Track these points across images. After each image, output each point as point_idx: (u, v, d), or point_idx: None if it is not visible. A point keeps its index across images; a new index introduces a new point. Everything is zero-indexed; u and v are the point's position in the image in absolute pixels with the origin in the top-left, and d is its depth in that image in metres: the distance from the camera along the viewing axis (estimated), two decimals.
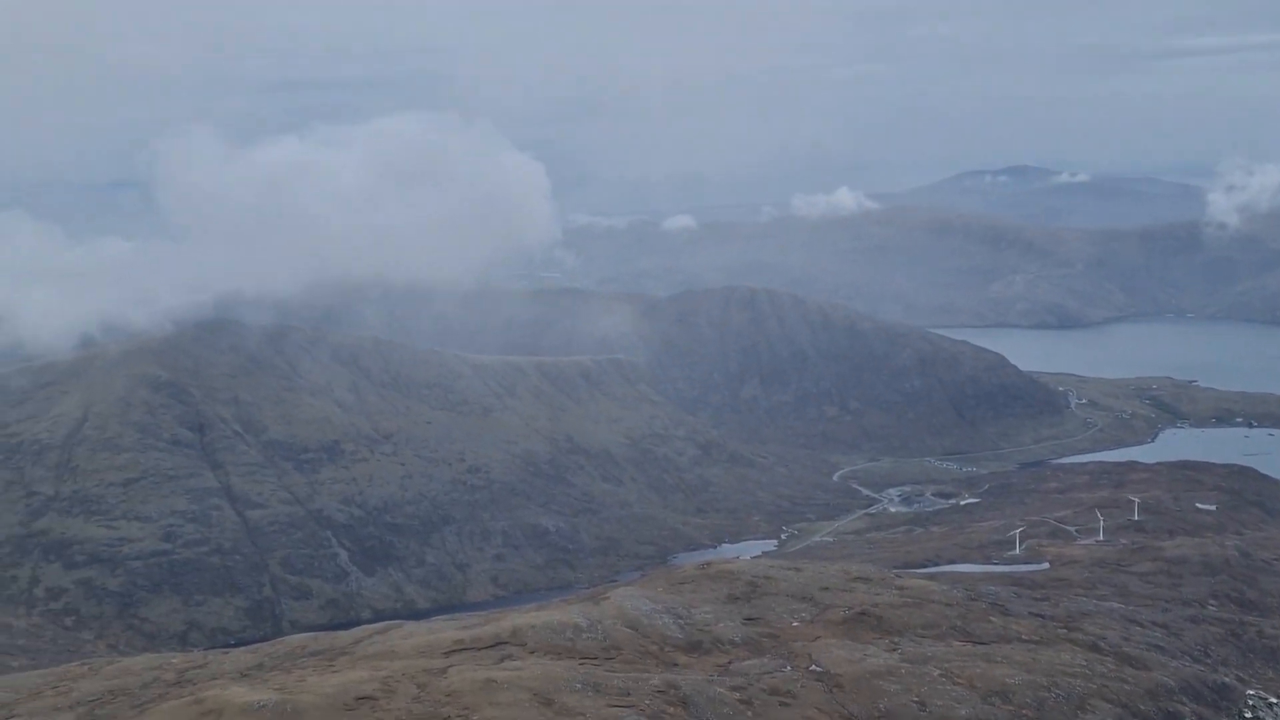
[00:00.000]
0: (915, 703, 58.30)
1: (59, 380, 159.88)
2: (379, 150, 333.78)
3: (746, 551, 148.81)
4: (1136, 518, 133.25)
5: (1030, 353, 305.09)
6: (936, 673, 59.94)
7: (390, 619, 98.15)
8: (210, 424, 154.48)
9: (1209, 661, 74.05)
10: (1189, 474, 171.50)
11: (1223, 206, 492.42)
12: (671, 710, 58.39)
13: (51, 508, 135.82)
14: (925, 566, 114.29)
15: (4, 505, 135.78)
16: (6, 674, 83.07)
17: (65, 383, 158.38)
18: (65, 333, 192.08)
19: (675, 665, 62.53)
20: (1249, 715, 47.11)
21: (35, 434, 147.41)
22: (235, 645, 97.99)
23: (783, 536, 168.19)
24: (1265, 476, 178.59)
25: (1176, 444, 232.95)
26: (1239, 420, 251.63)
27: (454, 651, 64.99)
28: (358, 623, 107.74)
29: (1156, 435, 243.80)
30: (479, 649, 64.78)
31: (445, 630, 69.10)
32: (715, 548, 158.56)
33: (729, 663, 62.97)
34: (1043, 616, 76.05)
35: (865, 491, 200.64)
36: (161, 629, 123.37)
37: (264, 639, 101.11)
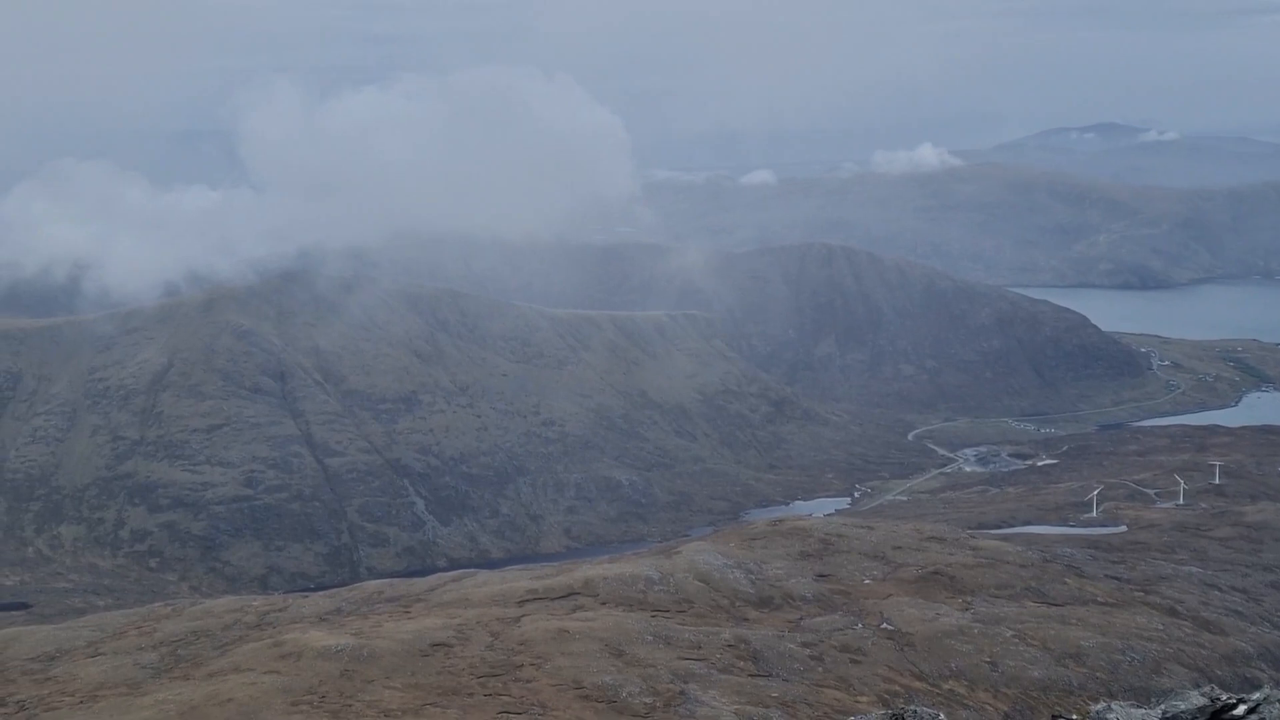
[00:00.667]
0: (987, 663, 55.04)
1: (144, 327, 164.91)
2: (459, 102, 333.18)
3: (819, 509, 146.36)
4: (1217, 481, 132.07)
5: (1113, 313, 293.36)
6: (1009, 633, 57.25)
7: (464, 568, 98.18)
8: (290, 372, 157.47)
9: None
10: (1272, 438, 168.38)
11: None
12: (742, 664, 55.58)
13: (137, 452, 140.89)
14: (1000, 527, 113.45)
15: (91, 449, 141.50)
16: (93, 613, 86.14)
17: (151, 329, 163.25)
18: (151, 281, 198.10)
19: (746, 620, 59.75)
20: None
21: (121, 379, 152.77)
22: (314, 590, 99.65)
23: (855, 495, 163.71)
24: None
25: (1261, 408, 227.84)
26: None
27: (527, 601, 63.45)
28: (433, 570, 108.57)
29: (1241, 399, 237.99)
30: (551, 599, 63.00)
31: (518, 580, 67.54)
32: (787, 505, 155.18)
33: (800, 619, 60.30)
34: (1118, 579, 74.37)
35: (941, 451, 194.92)
36: (242, 572, 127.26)
37: (341, 584, 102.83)
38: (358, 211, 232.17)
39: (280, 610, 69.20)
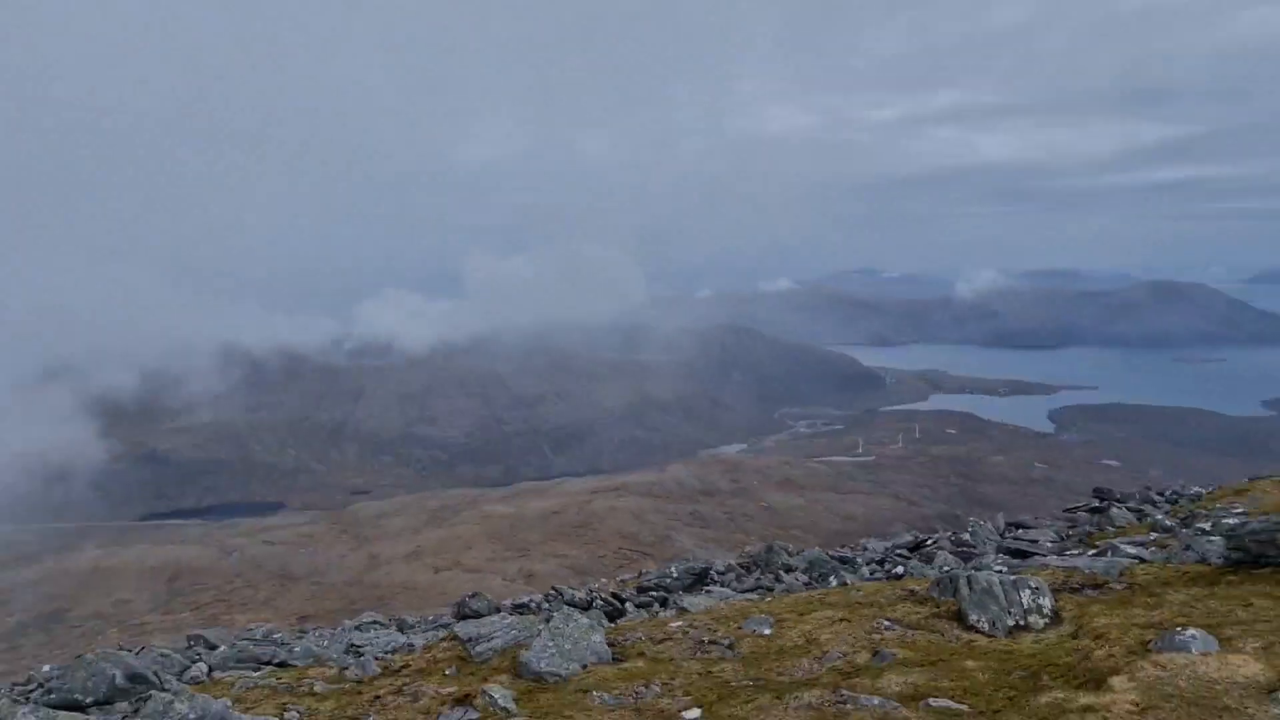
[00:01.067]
0: (811, 521, 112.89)
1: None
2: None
3: (733, 450, 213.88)
4: (917, 436, 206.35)
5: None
6: (820, 507, 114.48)
7: (565, 476, 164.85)
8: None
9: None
10: (946, 415, 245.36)
11: None
12: (696, 523, 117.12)
13: (418, 419, 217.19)
14: (818, 457, 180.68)
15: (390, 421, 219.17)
16: (392, 498, 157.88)
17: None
18: None
19: (697, 501, 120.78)
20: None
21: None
22: (497, 487, 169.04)
23: (749, 443, 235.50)
24: None
25: (942, 402, 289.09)
26: None
27: (594, 492, 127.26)
28: (551, 477, 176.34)
29: (929, 397, 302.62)
30: (605, 491, 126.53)
31: (589, 482, 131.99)
32: (717, 448, 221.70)
33: (722, 500, 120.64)
34: (872, 480, 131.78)
35: (790, 422, 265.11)
36: (464, 480, 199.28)
37: (508, 484, 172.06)
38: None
39: (482, 496, 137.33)
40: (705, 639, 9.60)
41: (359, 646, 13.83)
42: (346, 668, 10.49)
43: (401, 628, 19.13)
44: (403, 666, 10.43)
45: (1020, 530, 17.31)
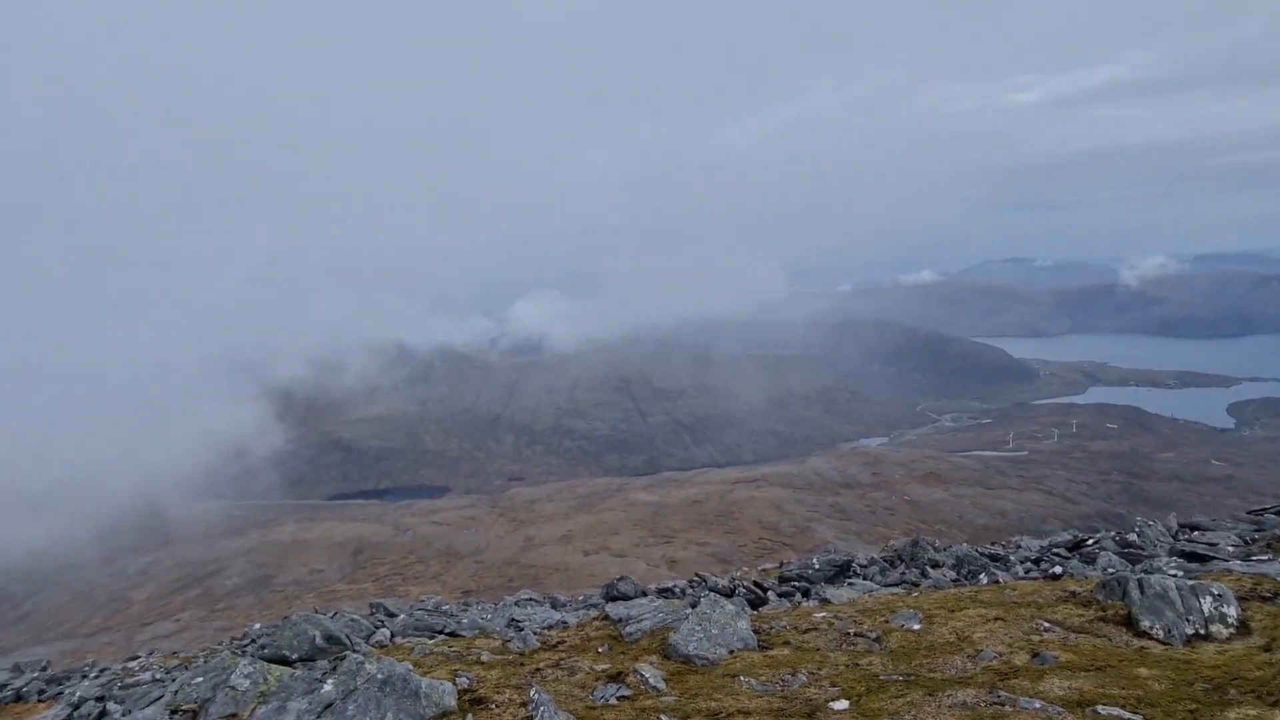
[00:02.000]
0: (957, 516, 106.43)
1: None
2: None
3: (874, 443, 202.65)
4: (1074, 431, 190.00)
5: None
6: (967, 502, 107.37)
7: (706, 467, 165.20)
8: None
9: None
10: (1105, 409, 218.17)
11: None
12: (837, 515, 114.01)
13: (567, 411, 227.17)
14: (963, 451, 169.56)
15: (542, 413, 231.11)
16: (544, 484, 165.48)
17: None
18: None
19: (837, 494, 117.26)
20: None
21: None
22: (641, 476, 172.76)
23: (890, 436, 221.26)
24: None
25: (1099, 394, 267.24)
26: None
27: (735, 482, 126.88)
28: (691, 468, 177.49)
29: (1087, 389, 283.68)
30: (746, 482, 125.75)
31: (731, 473, 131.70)
32: (858, 440, 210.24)
33: (863, 493, 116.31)
34: (1023, 476, 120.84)
35: (932, 415, 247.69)
36: (610, 468, 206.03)
37: (651, 473, 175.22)
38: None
39: (626, 484, 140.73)
40: (851, 631, 9.52)
41: (518, 621, 14.77)
42: (509, 640, 11.29)
43: (555, 605, 20.13)
44: (559, 642, 11.08)
45: (1196, 532, 15.70)
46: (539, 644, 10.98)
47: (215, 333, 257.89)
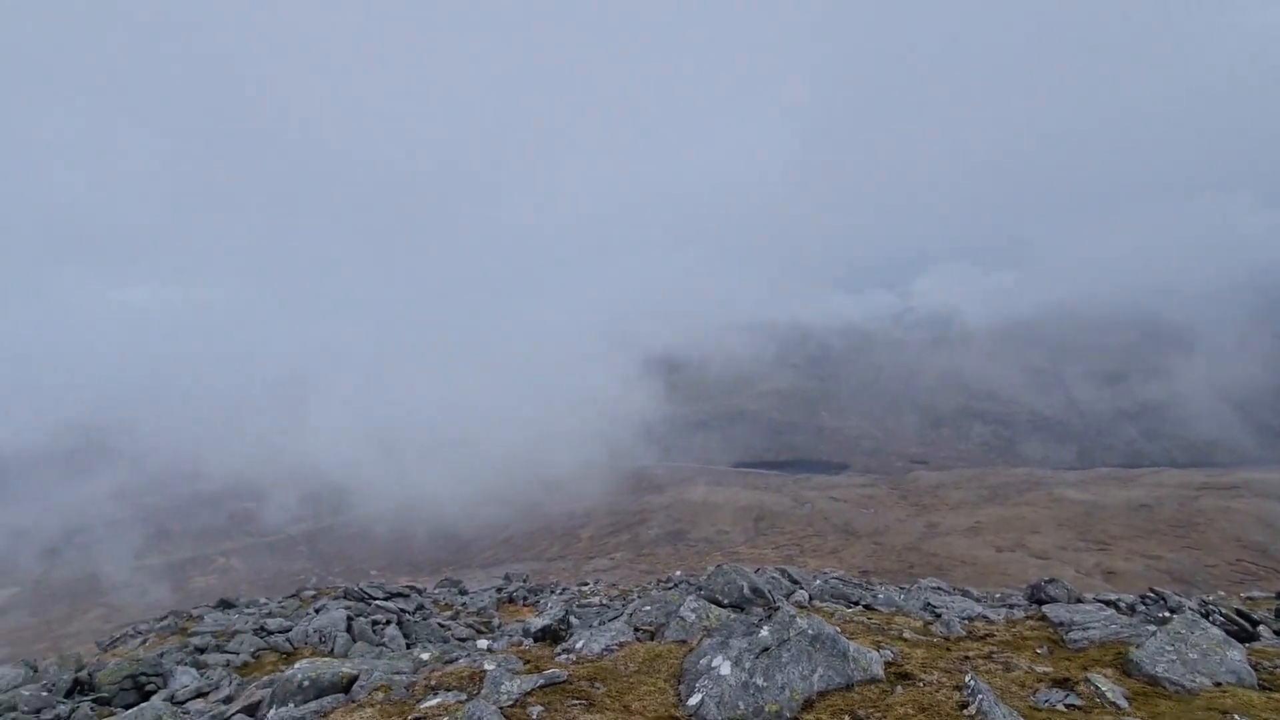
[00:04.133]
0: None
1: None
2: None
3: None
4: None
5: None
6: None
7: (1157, 466, 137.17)
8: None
9: None
10: None
11: None
12: None
13: (977, 393, 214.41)
14: None
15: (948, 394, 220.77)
16: (950, 470, 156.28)
17: None
18: None
19: None
20: None
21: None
22: (1069, 470, 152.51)
23: None
24: None
25: None
26: None
27: (1201, 487, 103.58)
28: (1138, 465, 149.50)
29: None
30: (1217, 488, 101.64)
31: (1195, 474, 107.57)
32: None
33: None
34: None
35: None
36: (1029, 459, 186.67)
37: (1082, 467, 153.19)
38: None
39: (1050, 477, 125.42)
40: None
41: (934, 606, 14.20)
42: (930, 623, 10.92)
43: (965, 598, 18.88)
44: (986, 634, 10.38)
45: None
46: (964, 632, 10.43)
47: (627, 316, 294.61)
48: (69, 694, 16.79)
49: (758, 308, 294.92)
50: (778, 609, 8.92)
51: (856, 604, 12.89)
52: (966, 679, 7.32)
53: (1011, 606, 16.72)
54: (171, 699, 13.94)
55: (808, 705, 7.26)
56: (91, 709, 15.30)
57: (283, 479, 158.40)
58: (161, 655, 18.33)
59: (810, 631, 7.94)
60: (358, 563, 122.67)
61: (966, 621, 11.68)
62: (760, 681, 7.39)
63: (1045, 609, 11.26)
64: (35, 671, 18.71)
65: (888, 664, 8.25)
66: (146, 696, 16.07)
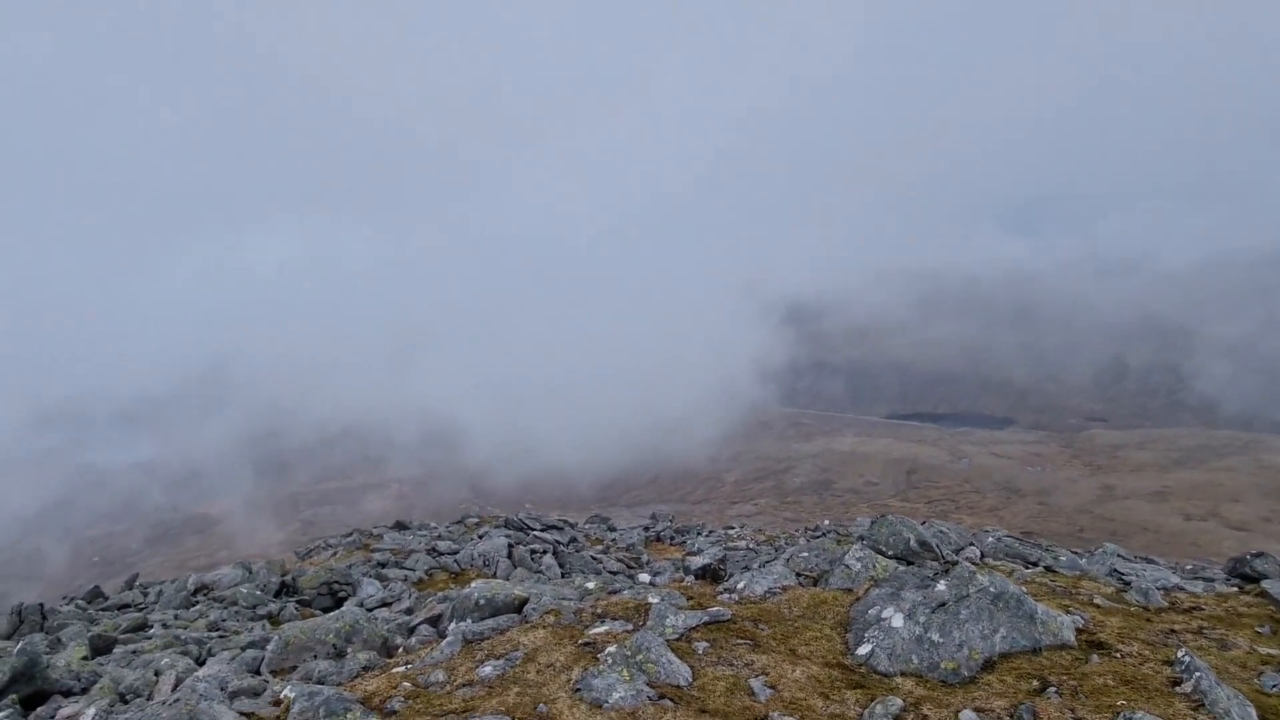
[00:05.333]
0: None
1: None
2: None
3: None
4: None
5: None
6: None
7: None
8: None
9: None
10: None
11: None
12: None
13: (1171, 345, 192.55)
14: None
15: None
16: (1134, 429, 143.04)
17: None
18: None
19: None
20: None
21: None
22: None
23: None
24: None
25: None
26: None
27: None
28: None
29: None
30: None
31: None
32: None
33: None
34: None
35: None
36: (1232, 420, 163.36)
37: None
38: None
39: (1259, 441, 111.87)
40: None
41: (1123, 574, 12.98)
42: (1122, 590, 9.96)
43: (1154, 567, 17.18)
44: (1192, 607, 9.33)
45: None
46: (1165, 603, 9.42)
47: (761, 259, 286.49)
48: (277, 594, 18.95)
49: (909, 249, 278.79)
50: (955, 563, 8.39)
51: (1035, 565, 11.98)
52: (1180, 654, 6.56)
53: (1204, 580, 15.09)
54: (360, 605, 15.38)
55: (988, 666, 6.80)
56: (296, 609, 17.19)
57: (410, 424, 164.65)
58: (350, 567, 20.29)
59: (992, 589, 7.41)
60: (510, 497, 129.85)
61: (1164, 592, 10.57)
62: (936, 637, 7.00)
63: (1266, 584, 9.95)
64: (250, 573, 21.28)
65: (1079, 629, 7.58)
66: (339, 602, 17.86)
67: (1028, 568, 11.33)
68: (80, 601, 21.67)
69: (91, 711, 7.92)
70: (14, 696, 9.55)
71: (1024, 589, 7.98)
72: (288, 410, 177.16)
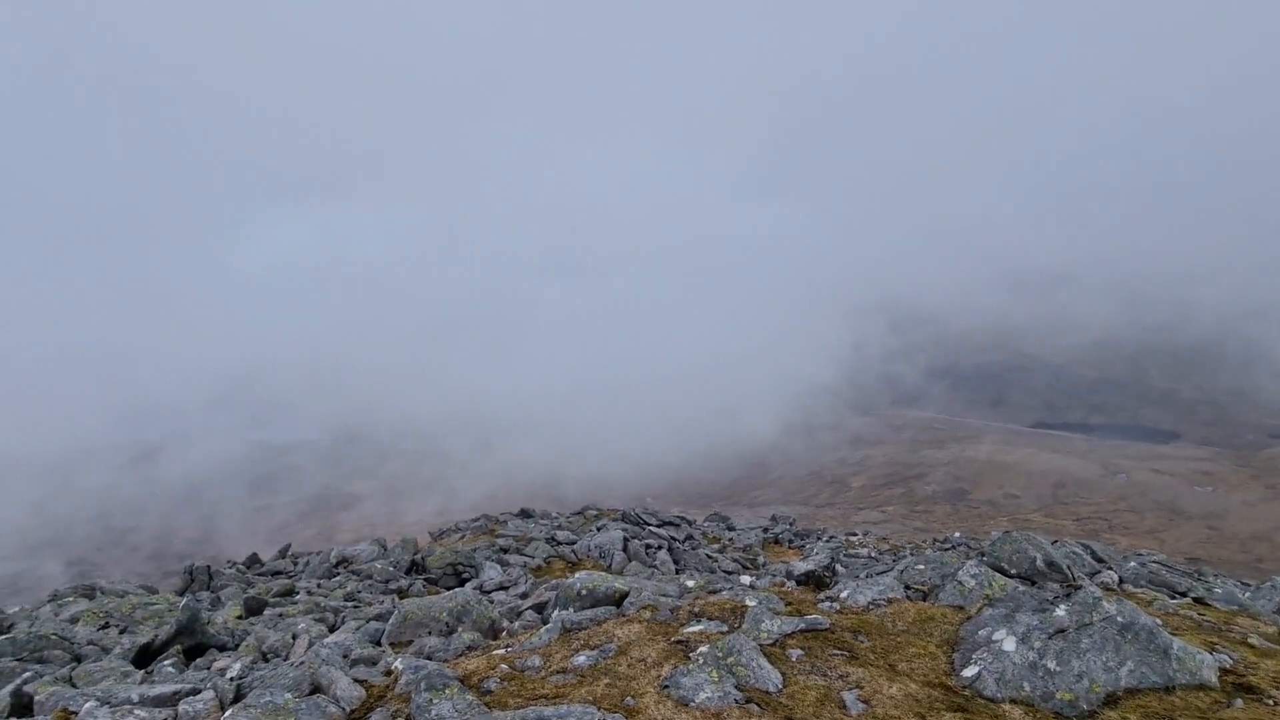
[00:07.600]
0: None
1: None
2: None
3: None
4: None
5: None
6: None
7: None
8: None
9: None
10: None
11: None
12: None
13: None
14: None
15: None
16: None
17: None
18: None
19: None
20: None
21: None
22: None
23: None
24: None
25: None
26: None
27: None
28: None
29: None
30: None
31: None
32: None
33: None
34: None
35: None
36: None
37: None
38: None
39: None
40: None
41: None
42: None
43: None
44: None
45: None
46: None
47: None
48: (408, 571, 20.19)
49: (1058, 244, 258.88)
50: (1079, 587, 7.80)
51: (1183, 595, 10.90)
52: None
53: None
54: (480, 588, 16.14)
55: (1110, 701, 6.29)
56: (423, 586, 18.27)
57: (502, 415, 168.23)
58: (475, 550, 21.31)
59: (1120, 619, 6.83)
60: (628, 489, 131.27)
61: None
62: (1052, 665, 6.54)
63: None
64: (384, 550, 22.79)
65: (1223, 670, 6.85)
66: (462, 582, 18.82)
67: (1173, 598, 10.33)
68: (240, 566, 23.98)
69: (237, 667, 8.78)
70: (178, 647, 10.73)
71: (1160, 621, 7.31)
72: (416, 400, 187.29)
